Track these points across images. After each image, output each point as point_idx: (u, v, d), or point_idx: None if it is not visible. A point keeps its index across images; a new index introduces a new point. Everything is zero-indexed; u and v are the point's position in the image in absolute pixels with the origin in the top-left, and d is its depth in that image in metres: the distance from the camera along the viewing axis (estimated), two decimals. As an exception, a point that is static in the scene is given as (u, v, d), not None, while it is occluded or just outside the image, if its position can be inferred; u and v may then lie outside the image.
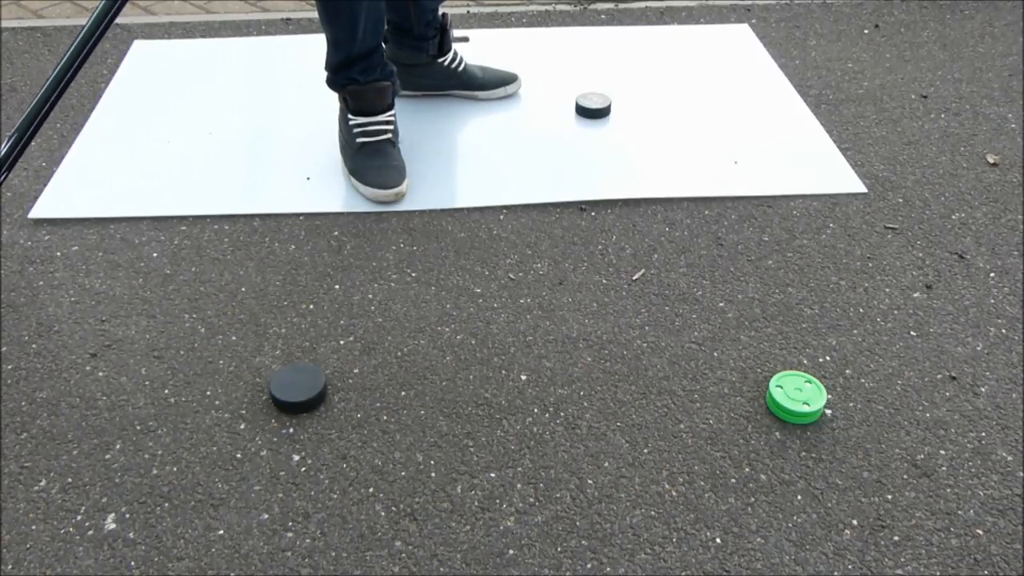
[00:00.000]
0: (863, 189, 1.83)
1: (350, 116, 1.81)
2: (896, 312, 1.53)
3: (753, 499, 1.22)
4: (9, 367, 1.40)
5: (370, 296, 1.55)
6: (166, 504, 1.20)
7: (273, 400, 1.33)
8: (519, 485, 1.23)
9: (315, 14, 2.51)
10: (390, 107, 1.84)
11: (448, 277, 1.59)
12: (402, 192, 1.77)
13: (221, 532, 1.17)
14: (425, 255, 1.65)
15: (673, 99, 2.13)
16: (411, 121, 2.04)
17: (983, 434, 1.32)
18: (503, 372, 1.41)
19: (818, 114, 2.08)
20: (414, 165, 1.87)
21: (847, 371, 1.42)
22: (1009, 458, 1.28)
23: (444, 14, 2.00)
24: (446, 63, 2.07)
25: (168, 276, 1.59)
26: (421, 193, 1.81)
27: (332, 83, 1.80)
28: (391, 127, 1.84)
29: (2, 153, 1.32)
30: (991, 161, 1.93)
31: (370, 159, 1.80)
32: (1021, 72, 2.28)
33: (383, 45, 1.80)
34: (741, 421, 1.33)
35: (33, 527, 1.17)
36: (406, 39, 2.01)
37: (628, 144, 1.96)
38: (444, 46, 2.03)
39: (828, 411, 1.35)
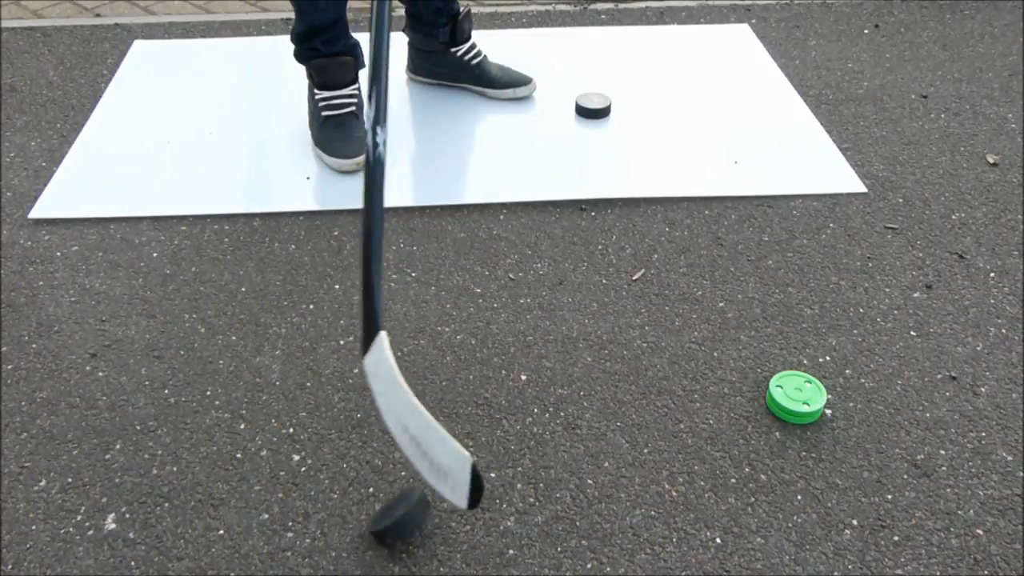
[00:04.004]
0: (863, 189, 1.83)
1: (316, 91, 1.88)
2: (896, 312, 1.53)
3: (753, 499, 1.22)
4: (9, 367, 1.40)
5: (370, 296, 1.55)
6: (166, 504, 1.20)
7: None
8: (519, 485, 1.23)
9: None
10: (353, 81, 1.90)
11: (448, 277, 1.59)
12: (363, 162, 1.82)
13: (221, 532, 1.17)
14: (425, 255, 1.65)
15: (673, 99, 2.13)
16: (414, 113, 2.05)
17: (983, 434, 1.32)
18: (503, 372, 1.41)
19: (818, 114, 2.08)
20: (414, 161, 1.88)
21: (847, 371, 1.42)
22: (1009, 458, 1.28)
23: (466, 7, 2.04)
24: (459, 54, 2.08)
25: (168, 276, 1.59)
26: (421, 189, 1.81)
27: (298, 55, 1.88)
28: (354, 100, 1.90)
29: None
30: (991, 161, 1.93)
31: (333, 131, 1.87)
32: (1021, 72, 2.28)
33: (345, 18, 1.86)
34: (741, 421, 1.33)
35: (33, 527, 1.17)
36: (418, 24, 2.05)
37: (628, 144, 1.96)
38: (458, 36, 2.05)
39: (828, 411, 1.35)
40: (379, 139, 1.27)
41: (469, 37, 2.08)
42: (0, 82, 2.17)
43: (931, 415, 1.34)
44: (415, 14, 2.02)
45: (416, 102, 2.09)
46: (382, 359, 1.07)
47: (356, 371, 1.40)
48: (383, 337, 1.09)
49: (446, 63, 2.10)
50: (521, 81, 2.12)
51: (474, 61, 2.10)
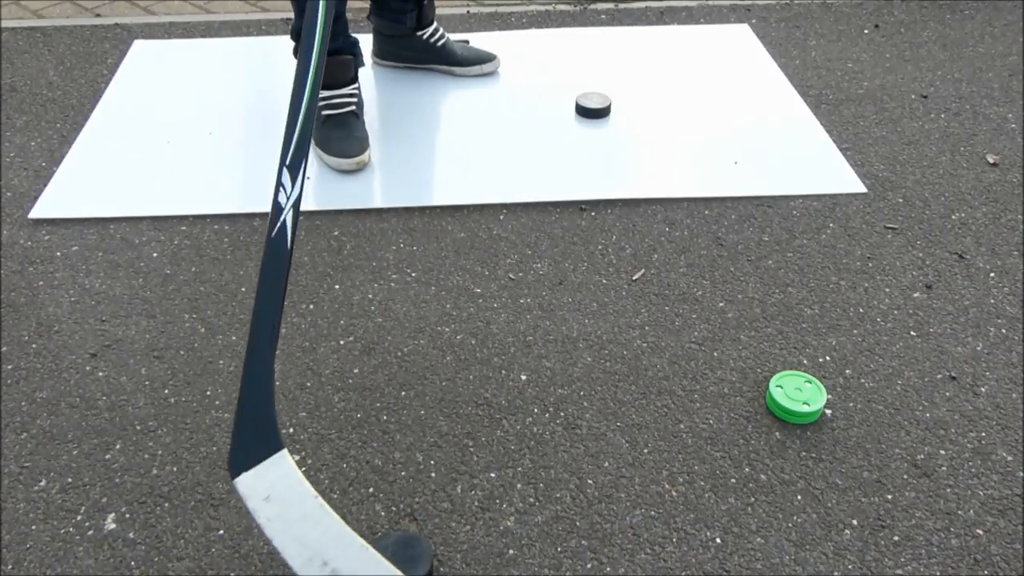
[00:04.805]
0: (863, 189, 1.83)
1: None
2: (896, 312, 1.53)
3: (753, 499, 1.22)
4: (9, 367, 1.40)
5: (370, 296, 1.55)
6: (166, 504, 1.20)
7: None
8: (519, 485, 1.23)
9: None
10: (353, 80, 1.91)
11: (448, 277, 1.59)
12: (363, 161, 1.84)
13: (221, 532, 1.17)
14: (425, 255, 1.65)
15: (673, 99, 2.13)
16: (407, 110, 2.05)
17: (983, 434, 1.32)
18: (503, 372, 1.40)
19: (818, 114, 2.08)
20: (413, 160, 1.88)
21: (847, 371, 1.42)
22: (1009, 458, 1.28)
23: None
24: (425, 36, 2.14)
25: (168, 276, 1.59)
26: (421, 189, 1.81)
27: (297, 52, 1.86)
28: (354, 99, 1.91)
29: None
30: (991, 161, 1.93)
31: (333, 130, 1.87)
32: (1021, 72, 2.28)
33: (345, 15, 1.87)
34: (741, 421, 1.33)
35: (33, 527, 1.17)
36: (385, 11, 2.09)
37: (628, 144, 1.96)
38: (423, 20, 2.11)
39: (828, 411, 1.35)
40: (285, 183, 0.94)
41: (433, 20, 2.14)
42: (0, 82, 2.17)
43: (931, 415, 1.34)
44: (381, 1, 2.08)
45: (404, 97, 2.11)
46: (287, 476, 0.85)
47: (356, 371, 1.40)
48: (285, 455, 0.86)
49: (413, 46, 2.16)
50: (486, 58, 2.19)
51: (440, 43, 2.16)
